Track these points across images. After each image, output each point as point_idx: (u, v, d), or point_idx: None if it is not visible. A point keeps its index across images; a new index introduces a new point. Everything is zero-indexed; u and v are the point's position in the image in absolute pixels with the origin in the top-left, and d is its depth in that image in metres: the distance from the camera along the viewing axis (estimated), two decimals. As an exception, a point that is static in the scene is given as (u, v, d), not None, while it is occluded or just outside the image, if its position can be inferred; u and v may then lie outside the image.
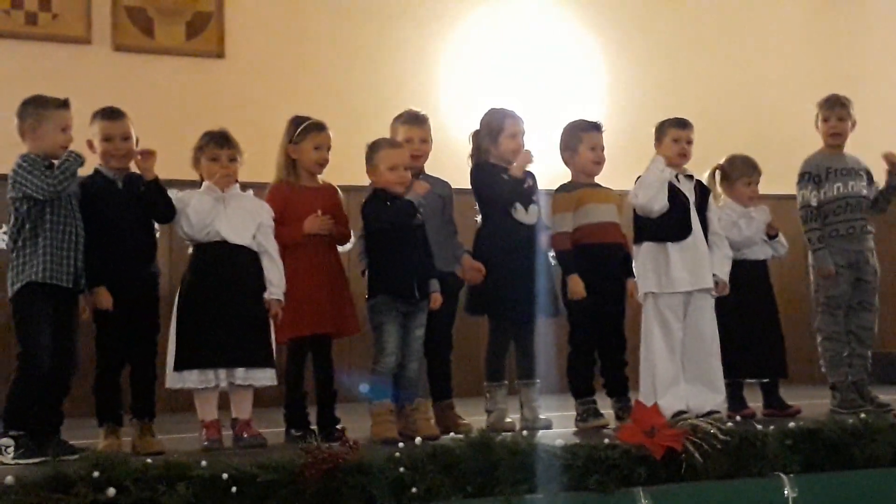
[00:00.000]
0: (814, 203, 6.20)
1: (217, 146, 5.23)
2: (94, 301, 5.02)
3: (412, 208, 5.18)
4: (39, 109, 4.93)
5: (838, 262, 6.15)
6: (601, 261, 5.65)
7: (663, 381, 5.48)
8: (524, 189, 5.60)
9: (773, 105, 9.71)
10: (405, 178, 5.28)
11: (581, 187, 5.74)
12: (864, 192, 6.27)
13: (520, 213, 5.58)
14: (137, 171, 5.17)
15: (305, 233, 5.33)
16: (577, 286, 5.55)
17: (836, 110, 6.29)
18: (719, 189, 6.20)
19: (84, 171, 5.10)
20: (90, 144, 5.18)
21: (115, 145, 5.15)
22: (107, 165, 5.19)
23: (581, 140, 5.79)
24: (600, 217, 5.68)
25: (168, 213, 5.17)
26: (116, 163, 5.18)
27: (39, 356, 4.78)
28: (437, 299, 5.27)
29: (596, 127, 5.86)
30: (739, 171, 6.19)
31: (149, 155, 5.08)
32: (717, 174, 6.19)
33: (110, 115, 5.19)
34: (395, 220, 5.17)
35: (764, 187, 6.32)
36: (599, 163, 5.80)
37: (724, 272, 5.68)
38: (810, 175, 6.25)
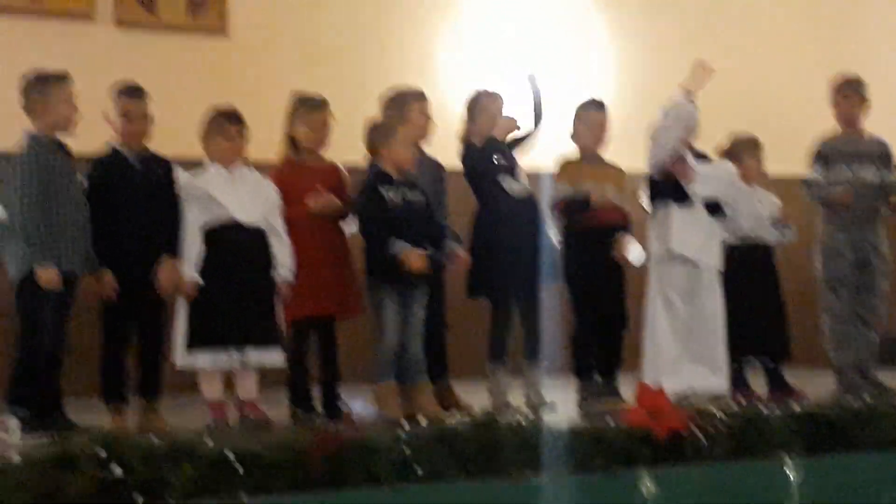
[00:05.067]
0: (818, 177, 6.27)
1: (228, 122, 5.25)
2: (98, 285, 5.02)
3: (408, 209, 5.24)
4: (43, 85, 4.96)
5: (840, 241, 6.18)
6: (599, 242, 5.69)
7: (666, 360, 5.52)
8: (505, 164, 5.66)
9: (777, 85, 9.71)
10: (413, 156, 5.37)
11: (585, 161, 5.84)
12: (872, 178, 6.27)
13: (509, 185, 5.62)
14: (154, 152, 5.21)
15: (310, 210, 5.32)
16: None
17: (850, 92, 6.37)
18: None
19: (97, 145, 5.15)
20: (107, 117, 5.18)
21: (136, 124, 5.17)
22: (125, 143, 5.19)
23: (580, 118, 5.89)
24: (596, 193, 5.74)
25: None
26: (135, 142, 5.19)
27: (42, 338, 4.82)
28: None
29: (597, 105, 5.93)
30: (746, 148, 6.22)
31: None
32: (724, 156, 6.21)
33: (132, 92, 5.21)
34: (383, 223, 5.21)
35: (769, 168, 6.33)
36: (599, 140, 5.90)
37: None
38: (819, 154, 6.32)
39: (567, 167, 5.83)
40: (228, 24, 8.47)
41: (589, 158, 5.88)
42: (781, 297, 6.18)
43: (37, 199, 4.80)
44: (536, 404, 5.47)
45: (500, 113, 5.77)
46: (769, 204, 6.22)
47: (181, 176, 5.26)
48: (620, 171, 5.95)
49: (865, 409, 4.63)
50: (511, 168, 5.69)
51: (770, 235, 6.18)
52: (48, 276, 4.80)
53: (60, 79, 4.99)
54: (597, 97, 6.06)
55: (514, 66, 8.80)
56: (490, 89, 5.87)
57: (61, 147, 4.98)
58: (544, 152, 5.94)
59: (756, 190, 6.22)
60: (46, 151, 4.90)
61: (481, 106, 5.77)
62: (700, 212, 5.74)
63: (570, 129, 5.92)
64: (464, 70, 8.87)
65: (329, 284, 5.35)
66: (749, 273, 5.99)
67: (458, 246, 5.62)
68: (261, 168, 5.46)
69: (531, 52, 9.04)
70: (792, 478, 4.35)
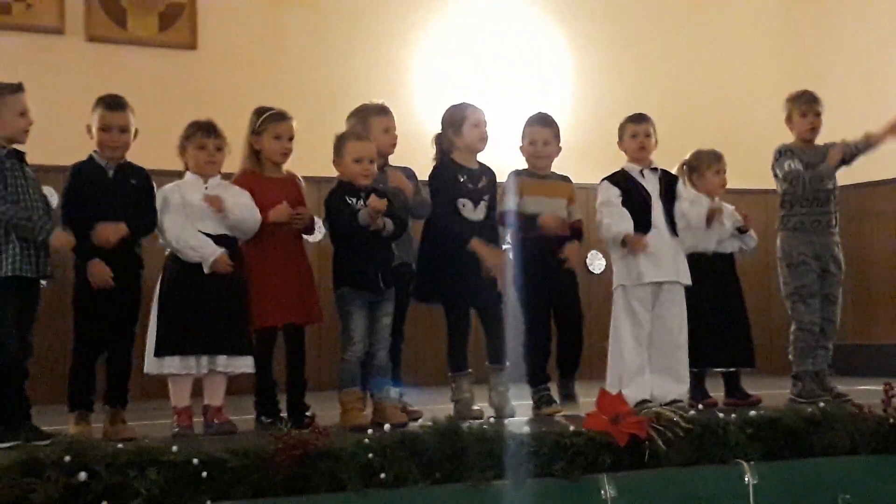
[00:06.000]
0: (801, 168, 6.28)
1: (204, 135, 5.29)
2: (91, 275, 5.03)
3: (372, 216, 5.23)
4: None
5: (804, 252, 6.27)
6: (546, 253, 5.76)
7: (629, 370, 5.60)
8: (475, 188, 5.71)
9: (740, 99, 9.87)
10: (370, 170, 5.38)
11: (535, 176, 5.89)
12: (831, 185, 6.37)
13: (467, 210, 5.69)
14: (129, 161, 5.25)
15: (269, 221, 5.36)
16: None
17: (813, 106, 6.41)
18: (687, 183, 6.30)
19: (80, 157, 5.20)
20: (89, 130, 5.21)
21: (112, 136, 5.19)
22: (102, 154, 5.22)
23: (524, 134, 5.95)
24: (541, 210, 5.79)
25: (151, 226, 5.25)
26: (110, 153, 5.21)
27: (7, 346, 4.81)
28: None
29: (540, 121, 5.98)
30: (706, 162, 6.29)
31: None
32: (685, 169, 6.30)
33: (111, 105, 5.22)
34: (349, 231, 5.25)
35: (730, 181, 6.42)
36: (540, 157, 5.92)
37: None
38: (792, 152, 6.35)
39: (514, 182, 5.86)
40: (198, 39, 8.55)
41: (538, 173, 5.93)
42: (744, 306, 6.26)
43: None
44: (502, 407, 5.55)
45: (483, 124, 5.78)
46: (730, 216, 6.31)
47: (164, 186, 5.30)
48: (569, 184, 6.01)
49: (820, 415, 4.66)
50: (476, 193, 5.72)
51: (731, 247, 6.28)
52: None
53: (13, 90, 4.99)
54: (544, 112, 6.10)
55: (481, 80, 8.94)
56: (469, 102, 5.88)
57: (16, 155, 4.98)
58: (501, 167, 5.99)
59: (717, 202, 6.31)
60: None
61: (468, 118, 5.77)
62: (663, 232, 5.82)
63: (519, 143, 5.99)
64: (431, 82, 8.97)
65: (293, 294, 5.40)
66: (712, 282, 6.08)
67: None
68: (226, 179, 5.52)
69: (497, 65, 9.19)
70: (749, 482, 4.38)
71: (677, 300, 5.78)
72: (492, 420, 4.42)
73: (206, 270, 5.13)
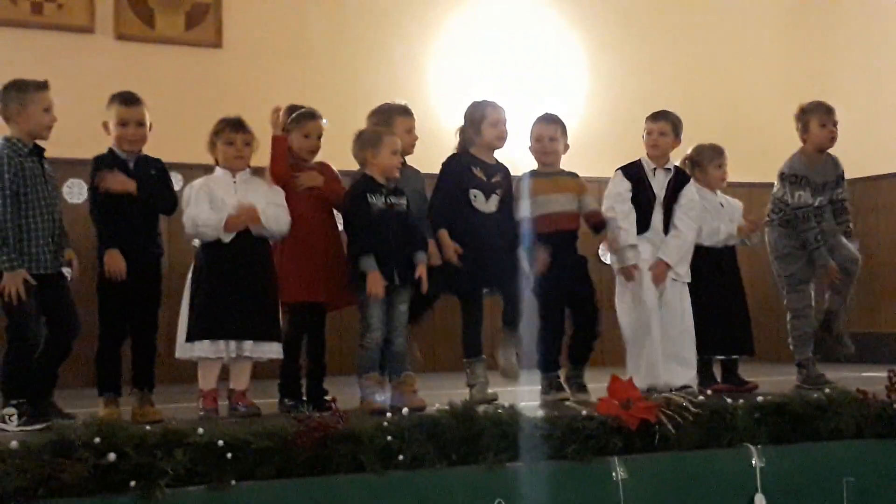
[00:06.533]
0: (811, 201, 6.34)
1: (233, 131, 5.39)
2: (107, 266, 5.14)
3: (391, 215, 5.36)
4: (22, 93, 5.06)
5: (789, 244, 6.41)
6: (557, 247, 5.84)
7: (636, 355, 5.72)
8: (488, 181, 5.79)
9: (747, 97, 9.94)
10: (400, 163, 5.51)
11: (542, 175, 5.95)
12: (827, 201, 6.48)
13: (478, 201, 5.76)
14: (146, 154, 5.35)
15: (300, 188, 5.50)
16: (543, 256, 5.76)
17: (832, 116, 6.45)
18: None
19: (99, 151, 5.32)
20: (105, 126, 5.32)
21: (130, 131, 5.29)
22: (120, 148, 5.33)
23: (532, 133, 6.01)
24: (552, 208, 5.87)
25: (172, 203, 5.36)
26: (129, 146, 5.32)
27: (26, 325, 4.92)
28: (422, 272, 5.39)
29: (546, 119, 6.04)
30: (709, 157, 6.38)
31: None
32: (687, 164, 6.39)
33: (127, 101, 5.32)
34: (362, 240, 5.35)
35: (737, 176, 6.51)
36: (548, 152, 5.98)
37: (671, 257, 5.89)
38: (806, 179, 6.38)
39: (527, 185, 5.91)
40: (224, 37, 8.68)
41: (547, 170, 5.99)
42: (744, 296, 6.38)
43: (10, 202, 4.91)
44: (508, 369, 5.67)
45: (502, 123, 5.84)
46: (732, 209, 6.42)
47: (193, 181, 5.42)
48: (577, 179, 6.05)
49: (826, 400, 4.75)
50: (488, 186, 5.79)
51: (733, 240, 6.38)
52: (17, 281, 4.89)
53: (39, 87, 5.09)
54: (549, 111, 6.15)
55: (498, 79, 9.04)
56: (490, 99, 5.94)
57: (37, 152, 5.08)
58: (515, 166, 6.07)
59: (720, 196, 6.42)
60: (18, 155, 4.98)
61: (487, 117, 5.83)
62: (660, 236, 5.90)
63: (528, 143, 6.05)
64: (449, 83, 9.08)
65: (321, 275, 5.52)
66: (712, 272, 6.18)
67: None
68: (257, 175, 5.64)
69: (512, 68, 9.29)
70: (756, 465, 4.48)
71: (678, 290, 5.88)
72: (506, 405, 4.50)
73: (224, 239, 5.22)
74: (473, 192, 5.75)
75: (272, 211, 5.37)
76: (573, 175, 6.08)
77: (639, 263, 5.84)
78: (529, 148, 6.05)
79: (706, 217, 6.20)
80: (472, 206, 5.75)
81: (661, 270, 5.85)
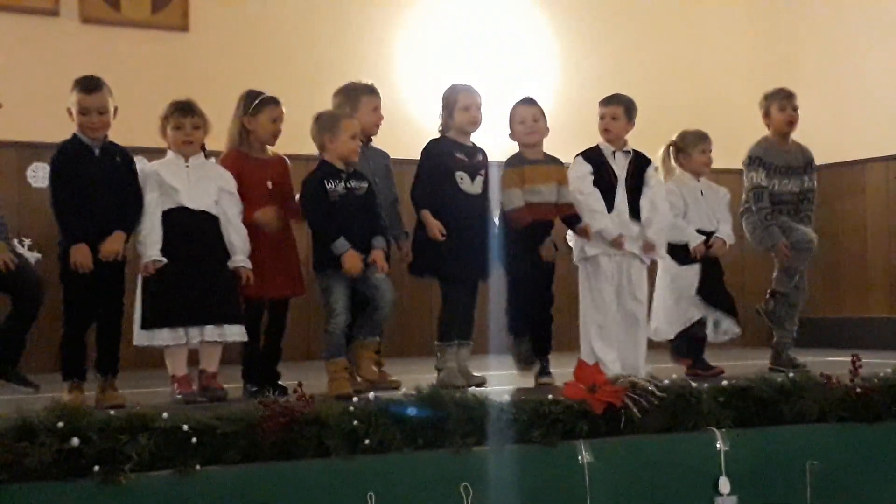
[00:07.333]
0: (764, 183, 6.45)
1: (181, 115, 5.34)
2: (73, 260, 5.08)
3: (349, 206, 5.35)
4: None
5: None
6: (533, 235, 5.82)
7: (595, 342, 5.75)
8: (471, 162, 5.79)
9: (716, 84, 9.99)
10: (359, 147, 5.48)
11: (527, 163, 5.88)
12: (797, 189, 6.56)
13: (465, 184, 5.76)
14: (112, 141, 5.30)
15: (253, 221, 5.47)
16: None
17: (791, 100, 6.56)
18: (674, 164, 6.42)
19: (63, 136, 5.26)
20: (69, 112, 5.26)
21: (91, 118, 5.21)
22: (82, 132, 5.26)
23: (513, 117, 5.95)
24: (538, 199, 5.83)
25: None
26: (91, 134, 5.24)
27: None
28: (378, 257, 5.36)
29: (526, 101, 6.00)
30: (693, 142, 6.40)
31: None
32: (672, 150, 6.41)
33: (87, 88, 5.21)
34: (321, 227, 5.35)
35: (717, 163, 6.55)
36: (533, 132, 5.91)
37: (657, 237, 5.93)
38: (760, 160, 6.50)
39: (511, 174, 5.85)
40: (190, 21, 8.63)
41: (530, 156, 5.92)
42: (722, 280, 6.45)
43: None
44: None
45: (475, 108, 5.83)
46: (717, 196, 6.46)
47: (141, 163, 5.37)
48: (560, 167, 5.99)
49: (790, 384, 4.77)
50: (472, 167, 5.79)
51: (712, 226, 6.40)
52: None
53: None
54: (528, 95, 6.10)
55: (466, 61, 9.05)
56: (465, 84, 5.93)
57: None
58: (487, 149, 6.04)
59: (703, 182, 6.44)
60: None
61: (459, 101, 5.81)
62: (623, 216, 5.87)
63: (508, 129, 5.99)
64: (417, 68, 9.07)
65: (274, 268, 5.52)
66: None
67: (402, 237, 5.87)
68: (216, 159, 5.62)
69: (481, 53, 9.29)
70: (721, 449, 4.50)
71: (636, 272, 5.89)
72: (472, 389, 4.50)
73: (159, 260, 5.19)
74: (459, 174, 5.74)
75: (224, 198, 5.36)
76: (558, 162, 6.02)
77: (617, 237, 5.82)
78: (510, 135, 5.96)
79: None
80: (458, 188, 5.73)
81: (648, 247, 5.89)
